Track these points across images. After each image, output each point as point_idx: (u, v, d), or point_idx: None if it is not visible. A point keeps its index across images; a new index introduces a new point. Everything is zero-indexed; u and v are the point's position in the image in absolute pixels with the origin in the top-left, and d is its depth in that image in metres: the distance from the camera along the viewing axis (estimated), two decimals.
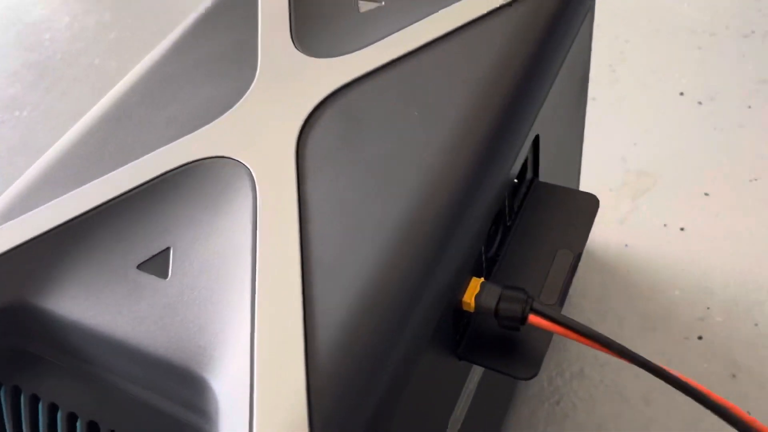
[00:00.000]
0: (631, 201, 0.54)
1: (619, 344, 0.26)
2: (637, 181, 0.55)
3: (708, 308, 0.48)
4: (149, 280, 0.25)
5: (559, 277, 0.29)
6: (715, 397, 0.26)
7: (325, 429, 0.20)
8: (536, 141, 0.32)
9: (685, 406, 0.43)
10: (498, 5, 0.31)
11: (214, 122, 0.29)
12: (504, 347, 0.28)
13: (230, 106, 0.29)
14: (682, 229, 0.52)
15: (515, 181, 0.31)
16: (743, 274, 0.49)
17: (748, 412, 0.43)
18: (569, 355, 0.46)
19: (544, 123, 0.31)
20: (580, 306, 0.48)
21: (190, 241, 0.25)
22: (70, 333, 0.25)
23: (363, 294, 0.22)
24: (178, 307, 0.24)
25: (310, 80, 0.30)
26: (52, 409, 0.26)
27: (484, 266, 0.29)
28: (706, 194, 0.54)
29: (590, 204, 0.33)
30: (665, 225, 0.52)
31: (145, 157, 0.28)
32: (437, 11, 0.32)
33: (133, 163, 0.28)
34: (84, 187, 0.27)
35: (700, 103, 0.60)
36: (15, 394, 0.26)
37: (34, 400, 0.26)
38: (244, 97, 0.30)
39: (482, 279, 0.27)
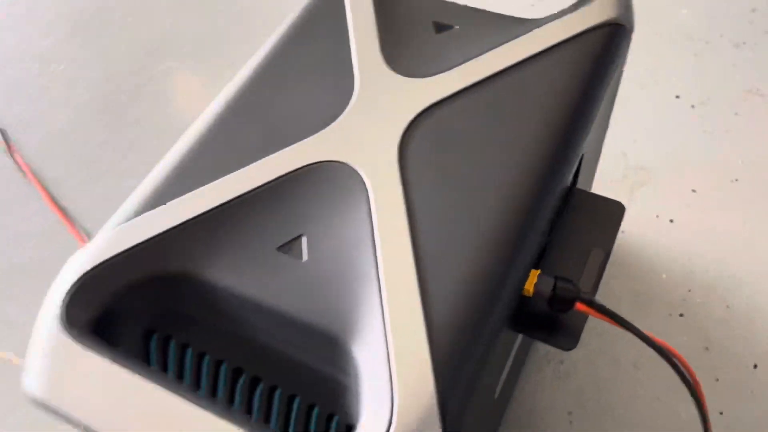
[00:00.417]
0: (629, 192, 0.62)
1: (633, 326, 0.34)
2: (635, 174, 0.63)
3: (689, 290, 0.56)
4: (288, 260, 0.31)
5: (593, 270, 0.37)
6: (688, 366, 0.34)
7: (444, 379, 0.27)
8: (581, 156, 0.39)
9: (667, 371, 0.52)
10: (560, 40, 0.38)
11: (325, 130, 0.35)
12: (551, 324, 0.35)
13: (336, 117, 0.35)
14: (671, 220, 0.60)
15: None
16: (720, 263, 0.57)
17: (716, 380, 0.52)
18: None
19: (589, 141, 0.38)
20: None
21: (318, 231, 0.32)
22: (223, 298, 0.31)
23: (465, 276, 0.29)
24: (316, 282, 0.30)
25: (404, 98, 0.36)
26: (200, 357, 0.32)
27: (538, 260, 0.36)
28: (694, 191, 0.62)
29: (618, 209, 0.40)
30: (657, 216, 0.60)
31: (273, 155, 0.34)
32: (507, 42, 0.38)
33: (263, 160, 0.34)
34: (226, 177, 0.33)
35: (693, 106, 0.68)
36: (165, 342, 0.33)
37: (183, 349, 0.32)
38: (348, 109, 0.36)
39: (539, 271, 0.34)
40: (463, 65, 0.37)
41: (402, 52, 0.39)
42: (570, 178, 0.36)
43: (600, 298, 0.53)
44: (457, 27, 0.40)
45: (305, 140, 0.35)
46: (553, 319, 0.35)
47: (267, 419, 0.31)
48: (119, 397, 0.28)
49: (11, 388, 0.50)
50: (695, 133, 0.66)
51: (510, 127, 0.34)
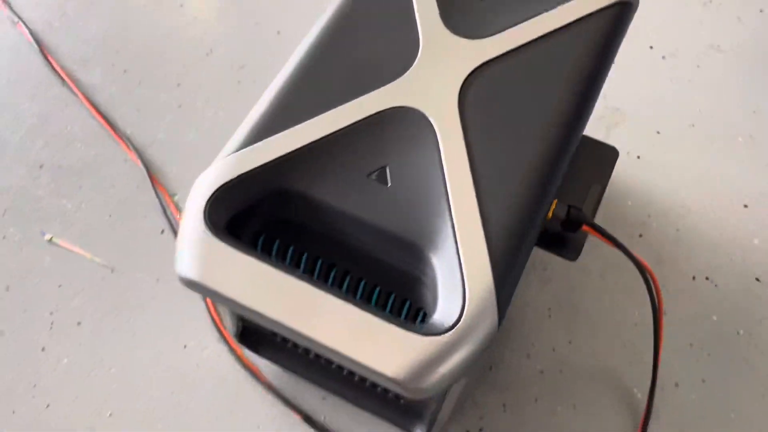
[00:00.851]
0: (606, 131, 0.73)
1: (623, 245, 0.45)
2: (612, 115, 0.73)
3: (648, 216, 0.69)
4: (376, 185, 0.40)
5: (593, 200, 0.47)
6: (655, 280, 0.46)
7: (497, 278, 0.37)
8: None
9: (626, 280, 0.64)
10: (583, 14, 0.47)
11: (398, 80, 0.43)
12: (560, 241, 0.46)
13: (406, 69, 0.44)
14: (638, 157, 0.71)
15: None
16: (675, 194, 0.70)
17: (664, 287, 0.65)
18: None
19: None
20: None
21: (398, 161, 0.41)
22: (324, 210, 0.40)
23: (512, 200, 0.39)
24: (399, 202, 0.40)
25: (460, 56, 0.45)
26: (300, 254, 0.42)
27: None
28: (658, 132, 0.73)
29: (612, 153, 0.50)
30: (627, 153, 0.71)
31: (358, 99, 0.43)
32: (540, 14, 0.47)
33: (351, 102, 0.42)
34: (323, 115, 0.42)
35: (663, 57, 0.78)
36: (270, 241, 0.42)
37: (284, 248, 0.42)
38: (414, 63, 0.44)
39: (556, 200, 0.44)
40: (506, 31, 0.46)
41: (455, 14, 0.47)
42: (585, 127, 0.46)
43: None
44: None
45: (383, 87, 0.43)
46: (562, 236, 0.46)
47: None
48: (252, 278, 0.38)
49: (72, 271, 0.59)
50: (663, 80, 0.77)
51: (545, 85, 0.44)
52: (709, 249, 0.67)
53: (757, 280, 0.65)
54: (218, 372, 0.59)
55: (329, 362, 0.53)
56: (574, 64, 0.45)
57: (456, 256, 0.38)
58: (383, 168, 0.41)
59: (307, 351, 0.53)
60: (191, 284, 0.38)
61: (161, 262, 0.64)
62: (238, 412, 0.58)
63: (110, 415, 0.57)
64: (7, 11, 0.78)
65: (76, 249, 0.64)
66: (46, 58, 0.75)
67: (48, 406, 0.57)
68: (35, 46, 0.75)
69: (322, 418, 0.58)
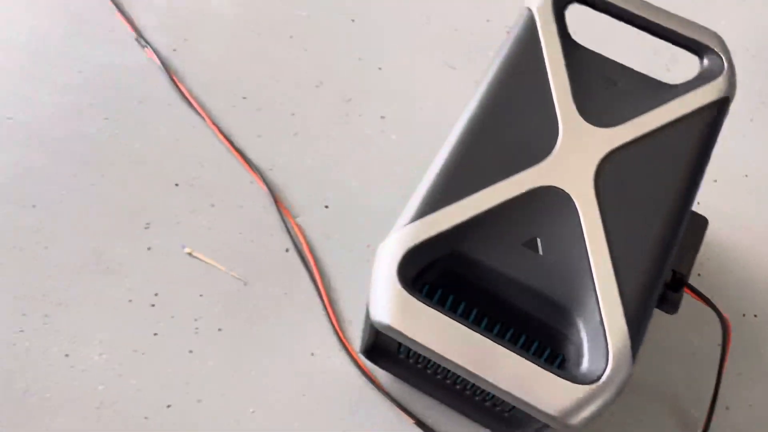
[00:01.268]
0: None
1: (711, 302, 0.55)
2: None
3: (708, 259, 0.79)
4: (530, 253, 0.50)
5: (689, 264, 0.57)
6: (729, 325, 0.56)
7: (632, 339, 0.47)
8: None
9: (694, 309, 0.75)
10: (692, 109, 0.56)
11: (544, 162, 0.53)
12: (662, 296, 0.56)
13: (549, 152, 0.53)
14: (698, 203, 0.81)
15: None
16: (727, 239, 0.80)
17: None
18: None
19: None
20: None
21: (547, 234, 0.51)
22: (487, 272, 0.50)
23: (641, 272, 0.49)
24: (550, 269, 0.49)
25: (594, 143, 0.54)
26: (468, 309, 0.51)
27: None
28: (715, 180, 0.83)
29: (703, 221, 0.60)
30: None
31: (512, 178, 0.52)
32: (657, 107, 0.56)
33: (506, 180, 0.52)
34: (483, 191, 0.51)
35: None
36: (444, 296, 0.52)
37: (456, 302, 0.52)
38: (556, 148, 0.54)
39: None
40: (630, 121, 0.55)
41: (586, 103, 0.56)
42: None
43: None
44: (620, 84, 0.57)
45: (531, 168, 0.53)
46: (664, 293, 0.56)
47: None
48: (440, 329, 0.47)
49: (220, 291, 0.68)
50: None
51: (664, 169, 0.53)
52: (759, 288, 0.77)
53: None
54: (342, 378, 0.69)
55: (453, 381, 0.62)
56: (687, 151, 0.54)
57: (599, 317, 0.48)
58: (534, 239, 0.51)
59: (426, 367, 0.63)
60: (388, 329, 0.48)
61: (287, 278, 0.73)
62: (359, 414, 0.68)
63: (252, 412, 0.67)
64: (135, 35, 0.85)
65: (213, 262, 0.73)
66: (173, 80, 0.83)
67: (199, 401, 0.67)
68: (162, 69, 0.83)
69: (431, 422, 0.68)
